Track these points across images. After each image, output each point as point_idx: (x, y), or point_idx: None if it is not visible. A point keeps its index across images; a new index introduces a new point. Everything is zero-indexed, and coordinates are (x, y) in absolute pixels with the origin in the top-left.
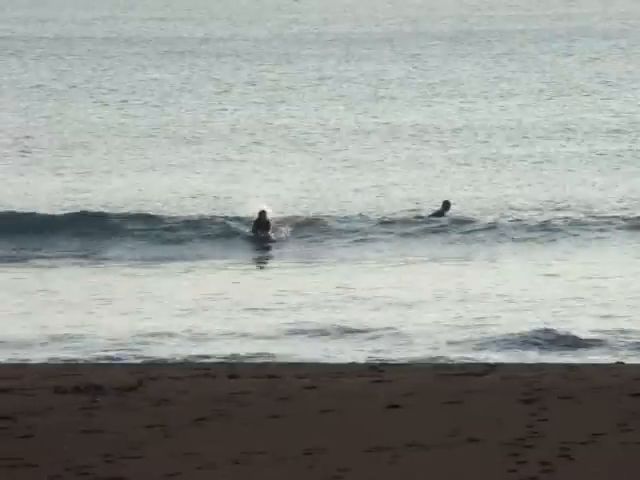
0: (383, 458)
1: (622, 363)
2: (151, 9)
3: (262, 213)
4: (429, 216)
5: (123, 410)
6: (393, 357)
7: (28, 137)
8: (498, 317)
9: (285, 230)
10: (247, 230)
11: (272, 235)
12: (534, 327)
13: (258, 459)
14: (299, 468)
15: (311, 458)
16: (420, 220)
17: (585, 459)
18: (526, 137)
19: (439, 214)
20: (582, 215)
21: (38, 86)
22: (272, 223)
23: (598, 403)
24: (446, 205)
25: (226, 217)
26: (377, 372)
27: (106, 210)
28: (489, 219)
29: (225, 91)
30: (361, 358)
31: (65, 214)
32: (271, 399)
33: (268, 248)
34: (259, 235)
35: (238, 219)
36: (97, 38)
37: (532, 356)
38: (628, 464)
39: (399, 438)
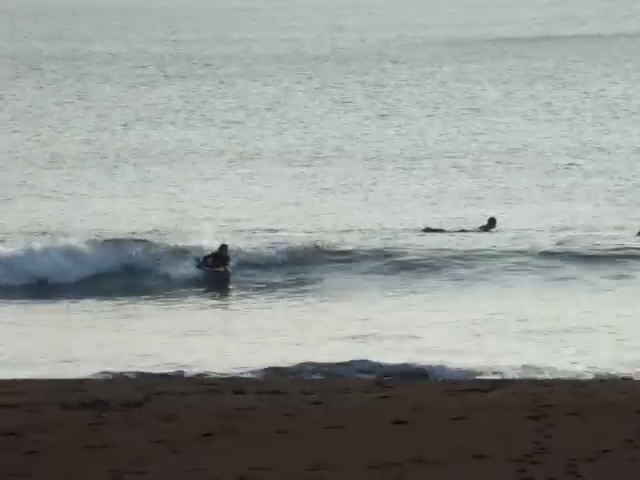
0: (389, 474)
1: (630, 379)
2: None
3: (223, 247)
4: (475, 231)
5: (129, 426)
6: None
7: None
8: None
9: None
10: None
11: (230, 269)
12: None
13: (264, 475)
14: None
15: (317, 474)
16: (464, 236)
17: (592, 476)
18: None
19: (484, 230)
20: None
21: None
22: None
23: (605, 419)
24: (492, 222)
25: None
26: (383, 388)
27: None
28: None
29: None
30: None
31: None
32: (277, 415)
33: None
34: (214, 269)
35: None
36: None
37: (540, 372)
38: None
39: (405, 454)
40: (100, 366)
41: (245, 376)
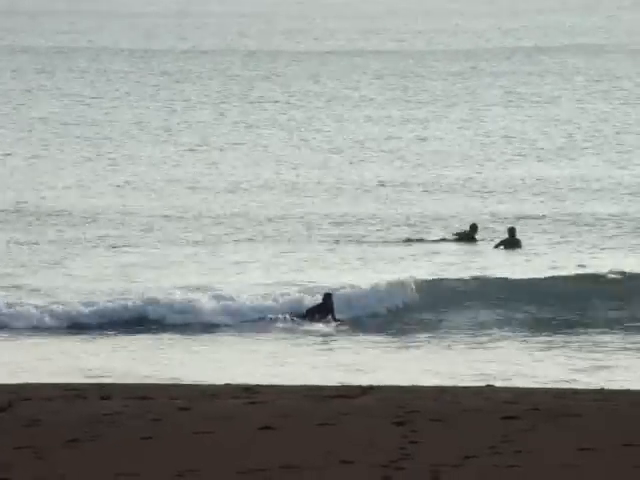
0: None
1: (492, 386)
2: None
3: (327, 296)
4: (456, 238)
5: None
6: (268, 379)
7: None
8: None
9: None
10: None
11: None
12: None
13: None
14: None
15: None
16: (446, 242)
17: None
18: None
19: (467, 237)
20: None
21: None
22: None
23: (469, 426)
24: (473, 228)
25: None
26: (251, 394)
27: None
28: None
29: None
30: (236, 380)
31: None
32: (144, 420)
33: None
34: (318, 320)
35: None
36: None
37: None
38: None
39: (272, 460)
40: None
41: (111, 381)
